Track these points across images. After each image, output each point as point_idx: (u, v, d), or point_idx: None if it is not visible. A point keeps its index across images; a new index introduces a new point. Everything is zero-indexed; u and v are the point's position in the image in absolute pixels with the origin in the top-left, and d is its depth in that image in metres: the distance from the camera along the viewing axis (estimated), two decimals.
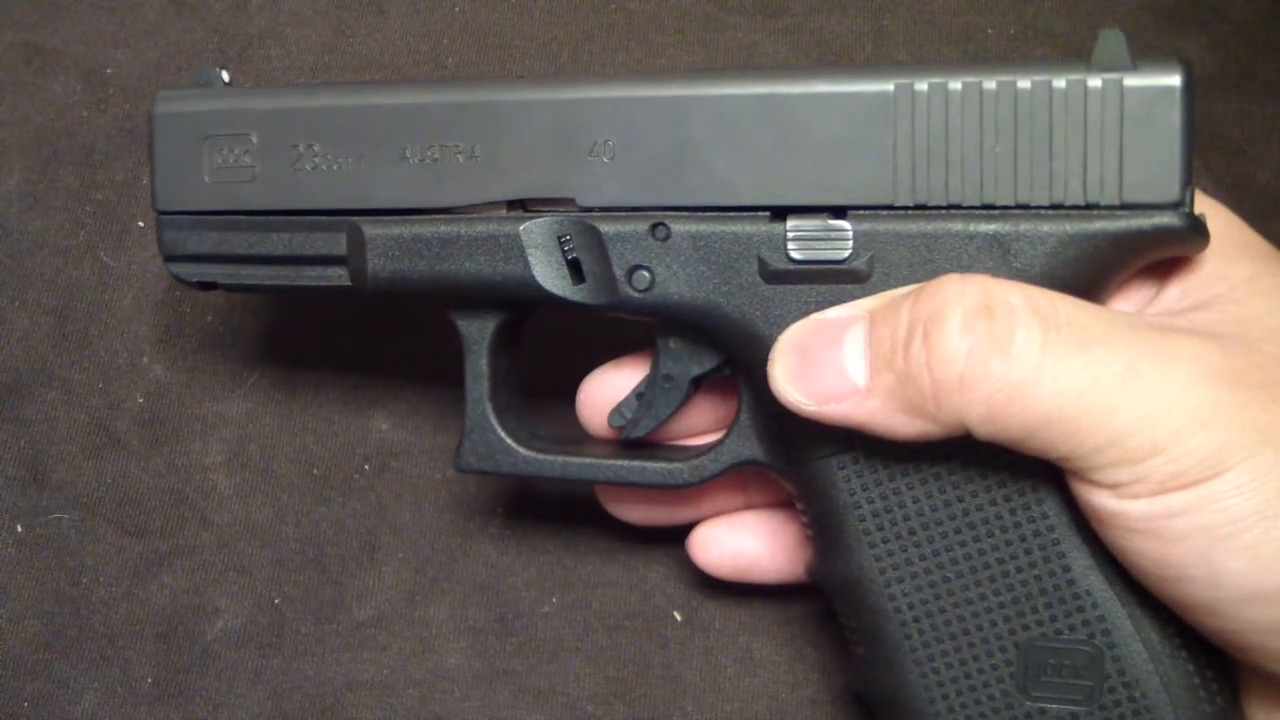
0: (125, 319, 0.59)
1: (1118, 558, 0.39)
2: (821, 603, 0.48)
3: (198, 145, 0.47)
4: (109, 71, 0.61)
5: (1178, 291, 0.42)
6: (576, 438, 0.51)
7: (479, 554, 0.56)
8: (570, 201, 0.44)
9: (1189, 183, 0.40)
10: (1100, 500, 0.38)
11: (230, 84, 0.49)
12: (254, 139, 0.46)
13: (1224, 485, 0.36)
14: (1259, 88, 0.58)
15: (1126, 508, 0.37)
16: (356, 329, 0.59)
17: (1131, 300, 0.43)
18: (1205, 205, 0.42)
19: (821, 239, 0.42)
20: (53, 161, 0.60)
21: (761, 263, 0.43)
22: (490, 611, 0.56)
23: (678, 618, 0.55)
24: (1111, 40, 0.40)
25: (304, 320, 0.59)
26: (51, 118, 0.61)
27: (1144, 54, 0.40)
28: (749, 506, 0.52)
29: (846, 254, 0.42)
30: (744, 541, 0.51)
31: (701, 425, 0.51)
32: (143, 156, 0.60)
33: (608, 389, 0.50)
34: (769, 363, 0.41)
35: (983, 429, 0.38)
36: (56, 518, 0.56)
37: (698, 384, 0.48)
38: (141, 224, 0.60)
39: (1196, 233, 0.40)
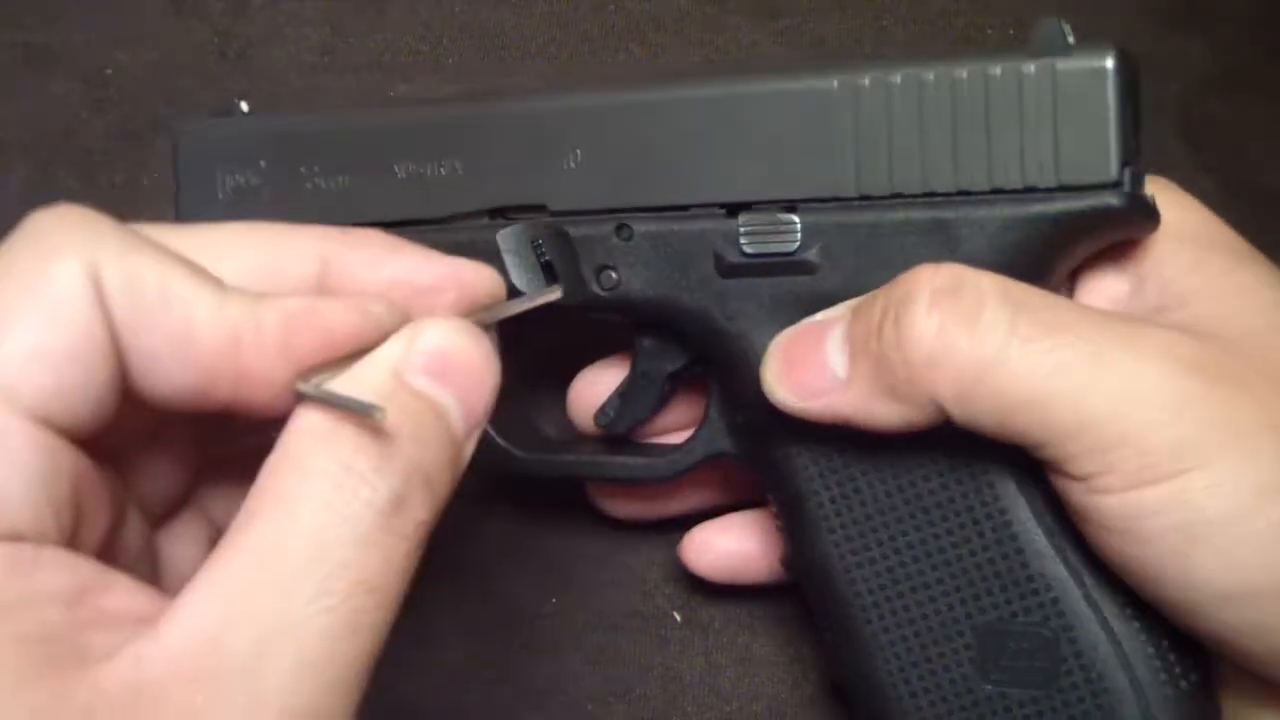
0: None
1: (1101, 558, 0.39)
2: None
3: (213, 170, 0.50)
4: (109, 72, 0.61)
5: (1153, 289, 0.42)
6: (566, 436, 0.53)
7: (479, 554, 0.56)
8: (543, 207, 0.46)
9: (1129, 164, 0.40)
10: (1077, 496, 0.38)
11: (250, 113, 0.51)
12: (262, 164, 0.49)
13: (1196, 483, 0.35)
14: (1259, 88, 0.58)
15: (1100, 504, 0.37)
16: None
17: (1104, 299, 0.43)
18: (1179, 200, 0.42)
19: (771, 232, 0.43)
20: (53, 162, 0.60)
21: (717, 258, 0.44)
22: (490, 611, 0.56)
23: (677, 618, 0.55)
24: (1050, 27, 0.40)
25: None
26: (51, 118, 0.61)
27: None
28: (734, 499, 0.52)
29: (795, 246, 0.43)
30: (735, 543, 0.51)
31: (687, 422, 0.51)
32: (143, 156, 0.60)
33: (595, 387, 0.51)
34: (761, 367, 0.42)
35: (958, 411, 0.38)
36: None
37: (674, 381, 0.49)
38: None
39: (1140, 213, 0.40)
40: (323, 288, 0.35)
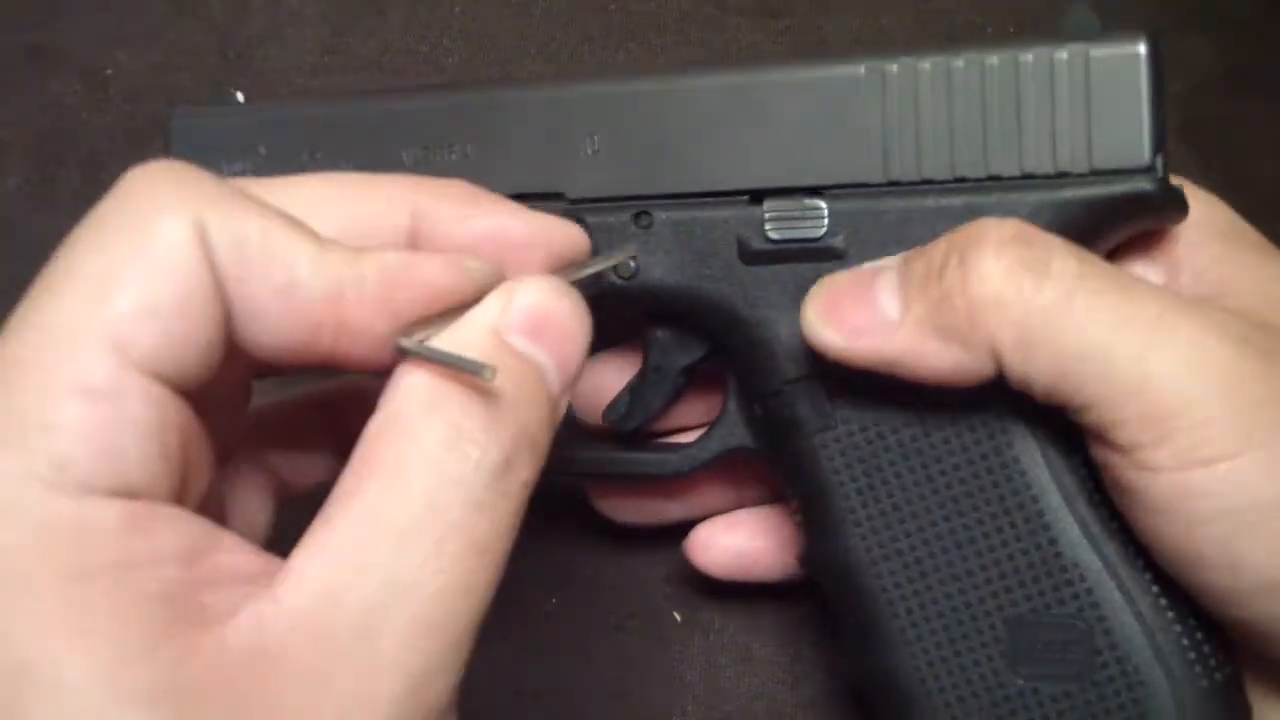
0: None
1: (1141, 540, 0.38)
2: (821, 602, 0.48)
3: (208, 158, 0.48)
4: (109, 72, 0.61)
5: (1187, 281, 0.42)
6: (568, 430, 0.52)
7: None
8: (560, 195, 0.45)
9: (1160, 150, 0.40)
10: (1122, 472, 0.37)
11: (245, 102, 0.50)
12: (261, 150, 0.48)
13: (1250, 465, 0.35)
14: (1259, 88, 0.58)
15: (1148, 483, 0.36)
16: None
17: None
18: (1196, 194, 0.42)
19: (798, 218, 0.43)
20: (53, 162, 0.60)
21: (741, 244, 0.44)
22: (490, 612, 0.56)
23: (677, 618, 0.55)
24: (1079, 14, 0.41)
25: None
26: (52, 118, 0.61)
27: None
28: (741, 502, 0.52)
29: (822, 231, 0.43)
30: (742, 540, 0.51)
31: (696, 420, 0.51)
32: (144, 157, 0.60)
33: (596, 376, 0.50)
34: (803, 307, 0.41)
35: (1014, 359, 0.37)
36: None
37: (688, 375, 0.48)
38: None
39: (1170, 200, 0.40)
40: (413, 241, 0.35)
